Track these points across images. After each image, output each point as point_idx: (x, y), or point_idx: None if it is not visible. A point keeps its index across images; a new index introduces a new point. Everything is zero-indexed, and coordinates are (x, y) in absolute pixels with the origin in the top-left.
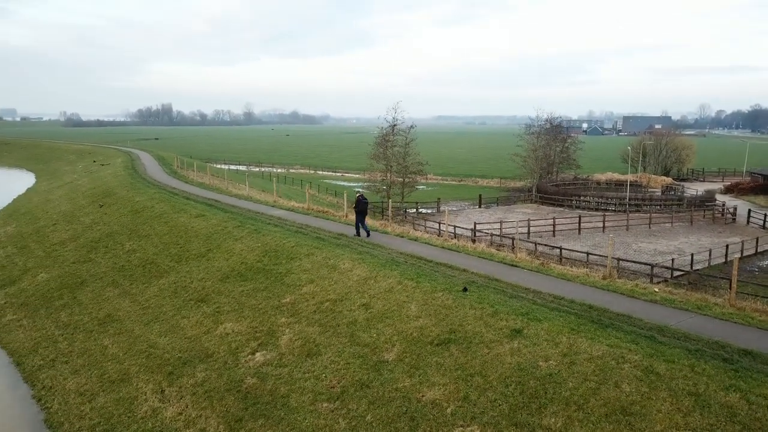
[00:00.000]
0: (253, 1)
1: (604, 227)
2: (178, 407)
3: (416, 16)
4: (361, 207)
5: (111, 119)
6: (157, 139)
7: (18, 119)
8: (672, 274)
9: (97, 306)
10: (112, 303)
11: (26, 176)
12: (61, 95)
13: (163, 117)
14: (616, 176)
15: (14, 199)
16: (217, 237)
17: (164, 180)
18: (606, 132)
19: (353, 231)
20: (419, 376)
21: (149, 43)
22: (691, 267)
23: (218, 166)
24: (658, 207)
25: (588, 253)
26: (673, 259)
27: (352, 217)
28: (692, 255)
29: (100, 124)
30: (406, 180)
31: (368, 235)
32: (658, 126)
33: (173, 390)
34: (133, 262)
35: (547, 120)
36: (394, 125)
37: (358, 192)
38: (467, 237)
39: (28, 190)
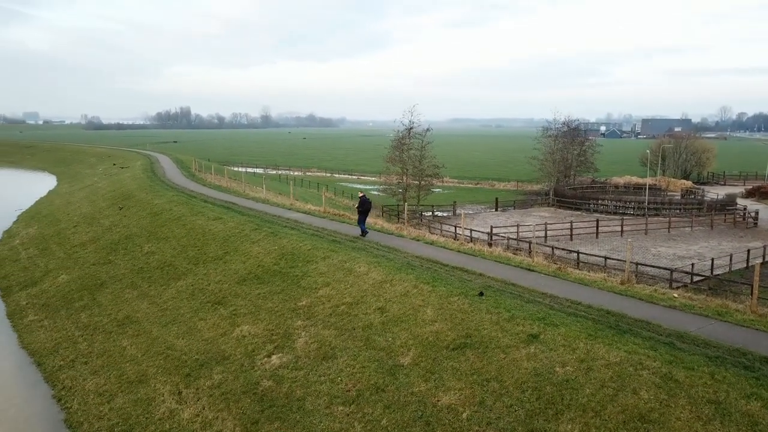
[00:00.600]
0: (269, 4)
1: (622, 231)
2: (195, 409)
3: (431, 19)
4: (366, 207)
5: (130, 122)
6: (175, 142)
7: (40, 122)
8: (692, 279)
9: (116, 307)
10: (130, 304)
11: (48, 179)
12: (82, 99)
13: (181, 120)
14: (635, 179)
15: (36, 201)
16: (234, 240)
17: (182, 183)
18: (624, 135)
19: (370, 235)
20: (435, 381)
21: (168, 47)
22: (712, 272)
23: (236, 169)
24: (678, 211)
25: (606, 258)
26: (692, 264)
27: (369, 220)
28: (712, 260)
29: (120, 127)
30: (422, 183)
31: (364, 234)
32: (677, 129)
33: (190, 392)
34: (152, 264)
35: (564, 123)
36: (410, 128)
37: (361, 193)
38: (483, 241)
39: (50, 192)
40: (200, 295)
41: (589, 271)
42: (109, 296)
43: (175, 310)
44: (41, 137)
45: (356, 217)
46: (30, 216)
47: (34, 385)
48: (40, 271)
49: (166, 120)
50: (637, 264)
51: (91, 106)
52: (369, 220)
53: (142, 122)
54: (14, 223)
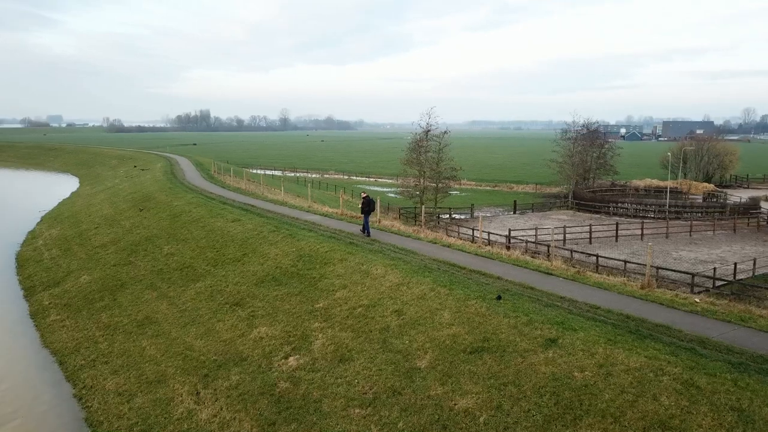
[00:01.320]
0: (288, 9)
1: (642, 235)
2: (212, 409)
3: (450, 22)
4: (371, 207)
5: (151, 125)
6: (195, 144)
7: (64, 125)
8: (714, 284)
9: (136, 308)
10: (150, 305)
11: (71, 180)
12: (104, 102)
13: (201, 123)
14: (656, 182)
15: (59, 203)
16: (253, 241)
17: (202, 185)
18: (645, 137)
19: (387, 237)
20: (452, 384)
21: (188, 50)
22: (734, 277)
23: (254, 171)
24: (699, 214)
25: (626, 262)
26: (714, 268)
27: (386, 222)
28: (735, 264)
29: (140, 129)
30: (440, 185)
31: (368, 234)
32: (699, 131)
33: (208, 392)
34: (171, 266)
35: (583, 125)
36: (428, 131)
37: (364, 193)
38: (501, 244)
39: (72, 194)
40: (219, 297)
41: (608, 275)
42: (129, 297)
43: (193, 311)
44: (65, 139)
45: (373, 218)
46: (53, 217)
47: (56, 384)
48: (62, 271)
49: (186, 123)
50: (657, 268)
51: (113, 109)
52: (386, 222)
53: (162, 125)
54: (38, 224)
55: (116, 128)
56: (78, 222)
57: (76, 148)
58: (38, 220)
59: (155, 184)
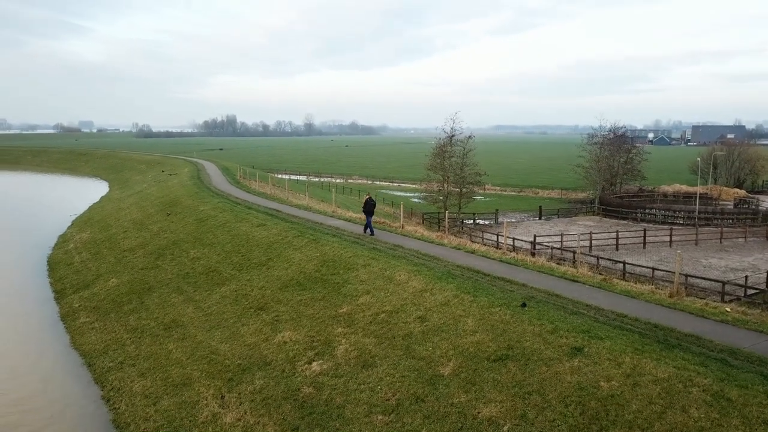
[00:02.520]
0: (312, 14)
1: (670, 241)
2: (237, 413)
3: (473, 26)
4: (368, 208)
5: (178, 130)
6: (221, 149)
7: (95, 131)
8: (745, 293)
9: (162, 311)
10: (176, 309)
11: (101, 185)
12: (133, 107)
13: (227, 128)
14: (685, 188)
15: (89, 207)
16: (278, 246)
17: (228, 190)
18: (674, 142)
19: (410, 243)
20: (475, 392)
21: (214, 56)
22: (767, 285)
23: (279, 176)
24: (730, 221)
25: (654, 269)
26: (746, 277)
27: (409, 227)
28: None
29: (168, 135)
30: (464, 190)
31: (372, 233)
32: (730, 135)
33: (233, 396)
34: (197, 270)
35: (610, 130)
36: (452, 135)
37: (368, 195)
38: (526, 250)
39: (102, 198)
40: (243, 301)
41: (635, 283)
42: (156, 300)
43: (218, 315)
44: (95, 144)
45: (396, 224)
46: (83, 221)
47: (85, 385)
48: (91, 274)
49: (212, 128)
50: (686, 276)
51: (142, 115)
52: (409, 228)
53: (189, 130)
54: (69, 227)
55: (145, 133)
56: (107, 226)
57: (106, 153)
58: (69, 223)
59: (182, 188)
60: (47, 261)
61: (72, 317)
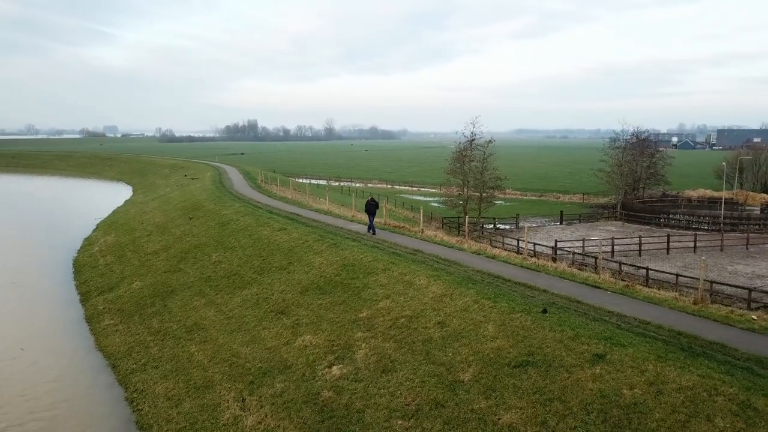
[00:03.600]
0: (332, 19)
1: (695, 247)
2: (258, 416)
3: (494, 30)
4: (369, 208)
5: (201, 135)
6: (243, 154)
7: (119, 135)
8: None
9: (185, 314)
10: (198, 312)
11: (125, 189)
12: (157, 112)
13: (248, 132)
14: (709, 193)
15: (114, 211)
16: (298, 250)
17: (249, 194)
18: (698, 146)
19: (430, 248)
20: (495, 398)
21: (235, 61)
22: None
23: (300, 180)
24: (757, 226)
25: (677, 275)
26: None
27: (429, 232)
28: None
29: (191, 139)
30: (484, 195)
31: (374, 233)
32: (756, 139)
33: (254, 399)
34: (219, 273)
35: (633, 134)
36: (472, 140)
37: (370, 196)
38: (547, 255)
39: (126, 202)
40: (264, 305)
41: (659, 289)
42: (178, 303)
43: (240, 319)
44: (120, 149)
45: (415, 228)
46: (108, 224)
47: (109, 386)
48: (116, 277)
49: (234, 132)
50: (711, 282)
51: (165, 119)
52: (429, 232)
53: (211, 135)
54: (93, 231)
55: (168, 138)
56: (131, 229)
57: (129, 157)
58: (94, 227)
59: (204, 193)
60: (73, 263)
61: (96, 319)
